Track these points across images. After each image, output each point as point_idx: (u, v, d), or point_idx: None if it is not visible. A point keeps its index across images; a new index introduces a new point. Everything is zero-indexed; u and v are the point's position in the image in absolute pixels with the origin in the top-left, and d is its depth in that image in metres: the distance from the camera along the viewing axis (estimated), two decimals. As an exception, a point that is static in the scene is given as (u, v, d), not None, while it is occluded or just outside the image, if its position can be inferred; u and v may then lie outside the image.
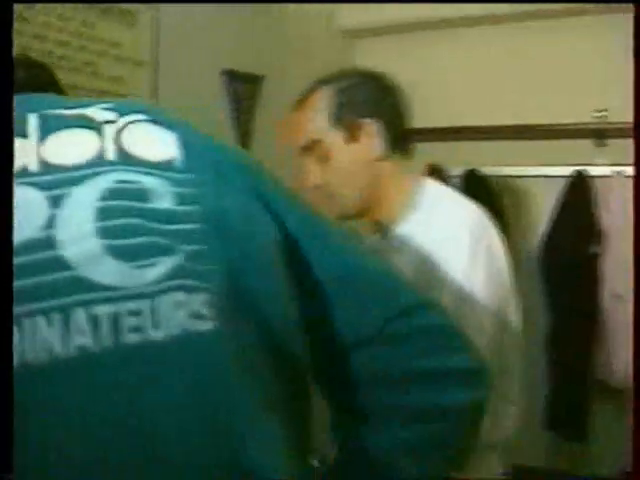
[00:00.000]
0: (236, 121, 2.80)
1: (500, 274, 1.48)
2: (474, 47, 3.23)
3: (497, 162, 3.07)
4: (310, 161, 1.55)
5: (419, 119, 3.34)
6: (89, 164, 0.72)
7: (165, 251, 0.68)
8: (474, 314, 1.40)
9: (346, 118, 1.52)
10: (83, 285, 0.64)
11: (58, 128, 0.75)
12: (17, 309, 0.61)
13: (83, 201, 0.68)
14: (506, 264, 1.51)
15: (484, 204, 2.91)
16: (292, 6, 2.99)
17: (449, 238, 1.44)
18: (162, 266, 0.67)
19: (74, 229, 0.66)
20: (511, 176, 3.09)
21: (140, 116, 0.80)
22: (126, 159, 0.74)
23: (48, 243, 0.65)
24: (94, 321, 0.62)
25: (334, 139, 1.52)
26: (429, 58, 3.29)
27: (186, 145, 0.79)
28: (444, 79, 3.24)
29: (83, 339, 0.62)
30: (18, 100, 0.77)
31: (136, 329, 0.64)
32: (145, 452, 0.62)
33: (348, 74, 1.60)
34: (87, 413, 0.62)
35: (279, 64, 2.93)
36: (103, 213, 0.68)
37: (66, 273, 0.64)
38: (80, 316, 0.62)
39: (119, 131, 0.77)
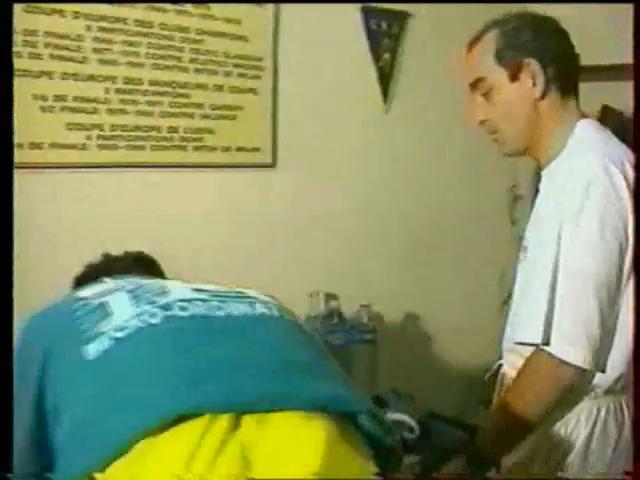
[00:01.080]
0: (376, 60, 2.73)
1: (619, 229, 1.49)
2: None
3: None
4: (477, 97, 1.66)
5: (592, 57, 3.01)
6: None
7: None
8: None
9: (509, 57, 1.61)
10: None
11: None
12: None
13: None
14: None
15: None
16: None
17: (567, 189, 1.52)
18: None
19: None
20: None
21: None
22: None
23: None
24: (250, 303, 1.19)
25: (498, 77, 1.62)
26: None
27: None
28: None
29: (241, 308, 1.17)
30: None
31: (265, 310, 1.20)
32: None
33: (516, 17, 1.66)
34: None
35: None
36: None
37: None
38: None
39: None
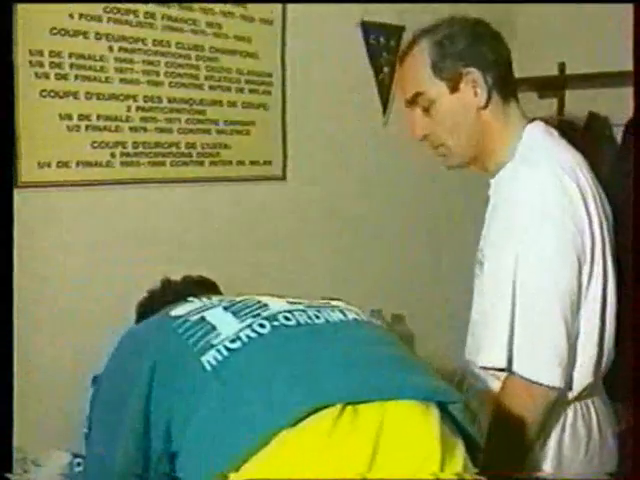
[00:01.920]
0: (376, 74, 2.83)
1: (576, 236, 1.48)
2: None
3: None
4: (416, 113, 1.61)
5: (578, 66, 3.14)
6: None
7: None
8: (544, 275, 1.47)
9: (447, 68, 1.56)
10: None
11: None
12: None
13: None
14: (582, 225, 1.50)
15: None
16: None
17: (520, 201, 1.50)
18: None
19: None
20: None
21: None
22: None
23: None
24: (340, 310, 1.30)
25: (437, 89, 1.57)
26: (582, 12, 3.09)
27: None
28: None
29: (334, 315, 1.27)
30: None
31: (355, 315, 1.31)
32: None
33: (447, 23, 1.61)
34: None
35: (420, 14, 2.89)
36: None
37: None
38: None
39: None
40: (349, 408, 1.06)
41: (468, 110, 1.57)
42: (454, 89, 1.56)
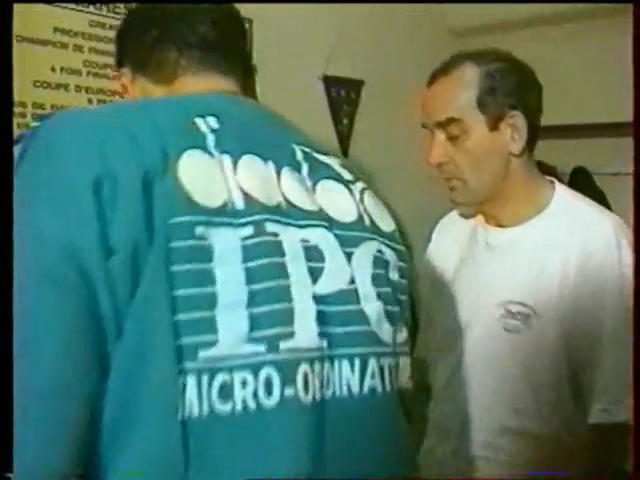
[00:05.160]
0: (336, 126, 2.95)
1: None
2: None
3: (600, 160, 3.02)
4: (439, 138, 1.48)
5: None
6: (357, 226, 0.89)
7: (403, 320, 0.90)
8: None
9: (493, 104, 1.45)
10: (375, 339, 0.84)
11: (322, 175, 0.92)
12: (327, 352, 0.79)
13: (365, 266, 0.86)
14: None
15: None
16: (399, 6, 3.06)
17: (602, 242, 1.41)
18: (403, 333, 0.89)
19: (370, 289, 0.85)
20: (615, 174, 3.02)
21: (362, 184, 0.98)
22: (374, 229, 0.90)
23: (354, 298, 0.84)
24: (381, 369, 0.84)
25: (476, 122, 1.45)
26: (538, 56, 3.27)
27: (396, 216, 1.00)
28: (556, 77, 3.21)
29: (373, 382, 0.83)
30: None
31: (391, 379, 0.86)
32: None
33: (493, 54, 1.51)
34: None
35: (380, 68, 3.03)
36: (374, 279, 0.86)
37: (366, 327, 0.84)
38: (373, 364, 0.83)
39: (361, 197, 0.94)
40: None
41: (500, 152, 1.46)
42: (493, 127, 1.45)
